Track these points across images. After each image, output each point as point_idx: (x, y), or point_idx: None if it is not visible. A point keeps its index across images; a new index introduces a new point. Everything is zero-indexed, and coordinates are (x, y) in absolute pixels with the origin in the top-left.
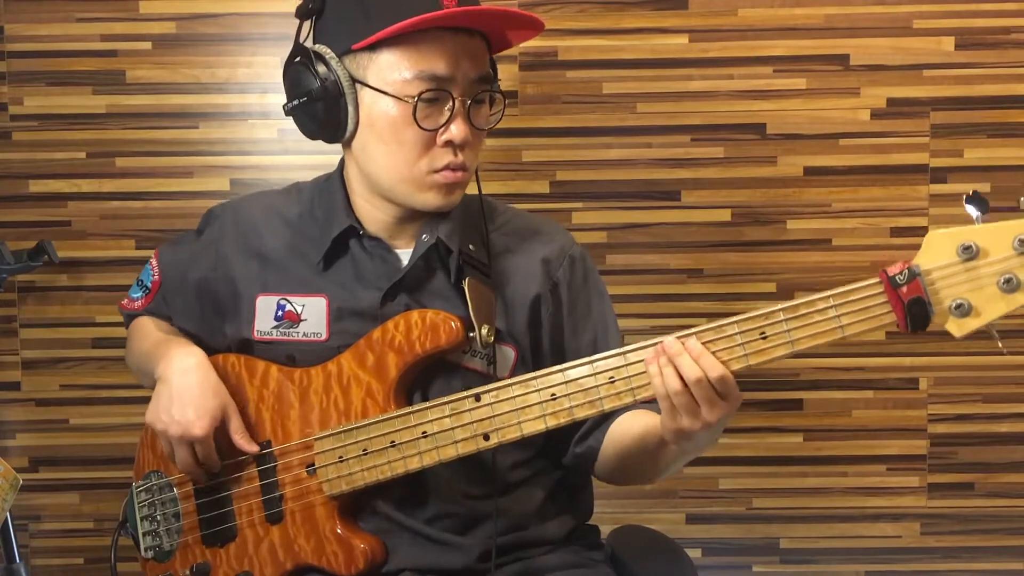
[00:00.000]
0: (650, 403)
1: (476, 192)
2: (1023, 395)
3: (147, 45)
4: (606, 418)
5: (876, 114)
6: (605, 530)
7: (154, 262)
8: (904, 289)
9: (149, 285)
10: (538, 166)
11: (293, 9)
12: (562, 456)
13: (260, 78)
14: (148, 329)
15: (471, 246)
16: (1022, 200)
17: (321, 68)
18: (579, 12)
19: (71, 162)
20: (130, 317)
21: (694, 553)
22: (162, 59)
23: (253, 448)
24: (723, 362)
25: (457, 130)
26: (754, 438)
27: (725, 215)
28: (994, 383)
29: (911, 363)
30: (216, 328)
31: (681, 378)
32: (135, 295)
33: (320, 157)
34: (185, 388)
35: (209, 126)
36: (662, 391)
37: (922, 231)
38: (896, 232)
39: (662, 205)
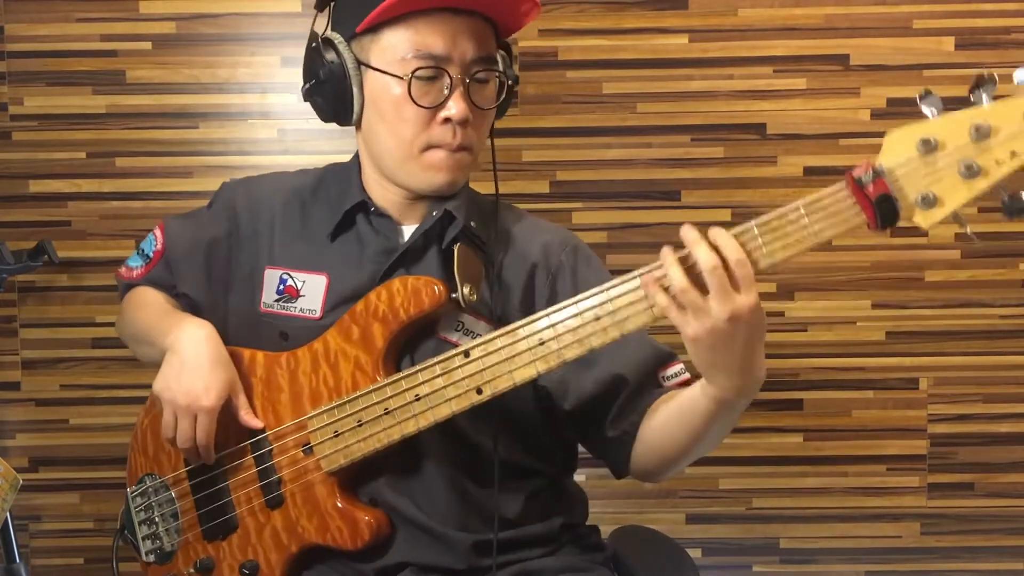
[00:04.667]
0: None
1: (490, 189)
2: (1023, 395)
3: (147, 45)
4: (635, 400)
5: (876, 114)
6: (606, 530)
7: (158, 232)
8: (871, 188)
9: (151, 254)
10: (538, 166)
11: (293, 9)
12: (594, 447)
13: (260, 78)
14: (149, 299)
15: (473, 223)
16: (972, 95)
17: (330, 53)
18: (579, 12)
19: (71, 162)
20: (127, 286)
21: (694, 553)
22: (162, 59)
23: (257, 424)
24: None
25: (455, 107)
26: (754, 438)
27: (725, 215)
28: (994, 383)
29: (911, 363)
30: (219, 297)
31: (685, 276)
32: (134, 264)
33: (320, 157)
34: (196, 359)
35: (209, 126)
36: (664, 301)
37: (922, 231)
38: (896, 232)
39: (662, 205)
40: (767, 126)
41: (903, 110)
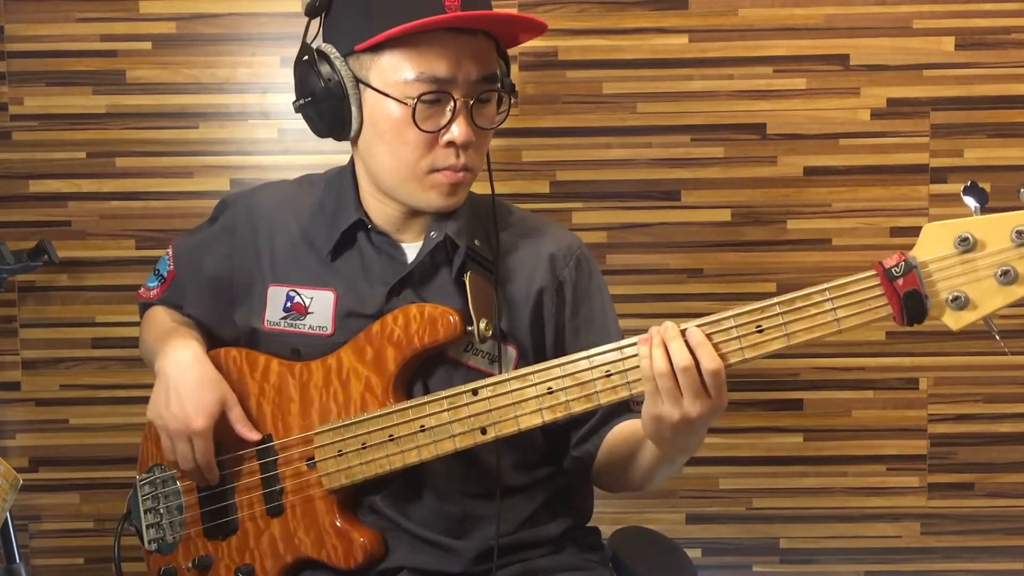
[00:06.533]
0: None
1: (487, 190)
2: (1023, 395)
3: (147, 45)
4: (605, 423)
5: (876, 114)
6: (606, 531)
7: (170, 251)
8: (900, 281)
9: (165, 275)
10: (538, 166)
11: (293, 9)
12: (562, 460)
13: (260, 78)
14: (158, 319)
15: (477, 241)
16: (1022, 192)
17: (325, 68)
18: (579, 12)
19: (71, 162)
20: (145, 306)
21: (694, 553)
22: (162, 59)
23: (255, 436)
24: (720, 355)
25: (458, 131)
26: (754, 438)
27: (725, 215)
28: (994, 383)
29: (911, 363)
30: (227, 316)
31: (670, 362)
32: (151, 284)
33: (320, 157)
34: (182, 383)
35: (209, 126)
36: (648, 372)
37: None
38: (896, 232)
39: (662, 205)
40: (767, 126)
41: (903, 110)
